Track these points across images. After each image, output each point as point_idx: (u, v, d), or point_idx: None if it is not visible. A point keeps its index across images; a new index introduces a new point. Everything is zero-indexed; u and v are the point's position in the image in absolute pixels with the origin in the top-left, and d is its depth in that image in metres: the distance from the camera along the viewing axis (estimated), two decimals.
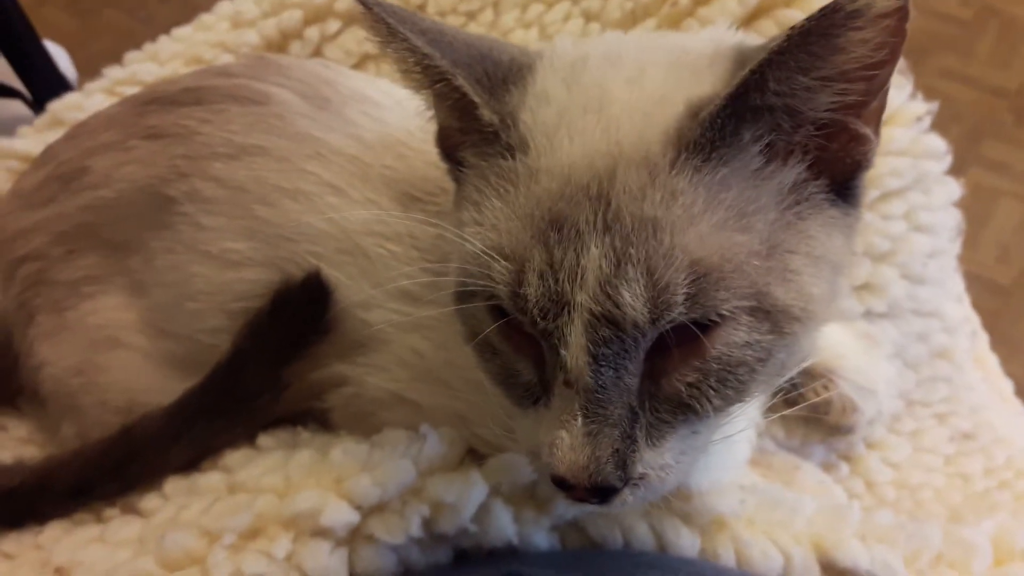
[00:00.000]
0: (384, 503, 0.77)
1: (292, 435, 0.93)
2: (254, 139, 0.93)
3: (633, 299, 0.57)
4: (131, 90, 1.21)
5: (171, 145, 0.95)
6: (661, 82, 0.64)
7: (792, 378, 0.99)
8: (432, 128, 0.74)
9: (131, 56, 1.32)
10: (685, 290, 0.57)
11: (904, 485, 1.02)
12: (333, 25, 1.23)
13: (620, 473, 0.60)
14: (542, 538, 0.80)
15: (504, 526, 0.78)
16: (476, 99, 0.64)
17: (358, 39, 1.23)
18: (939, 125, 1.09)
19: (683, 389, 0.60)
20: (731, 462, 0.87)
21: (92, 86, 1.29)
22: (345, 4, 1.22)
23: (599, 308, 0.58)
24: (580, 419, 0.59)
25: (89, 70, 1.36)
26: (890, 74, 0.59)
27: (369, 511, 0.77)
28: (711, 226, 0.58)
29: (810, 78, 0.57)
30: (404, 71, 0.67)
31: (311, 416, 0.96)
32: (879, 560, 0.79)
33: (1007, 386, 1.17)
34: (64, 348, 0.97)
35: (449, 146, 0.73)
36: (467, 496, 0.76)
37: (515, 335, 0.64)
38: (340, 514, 0.76)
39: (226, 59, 1.25)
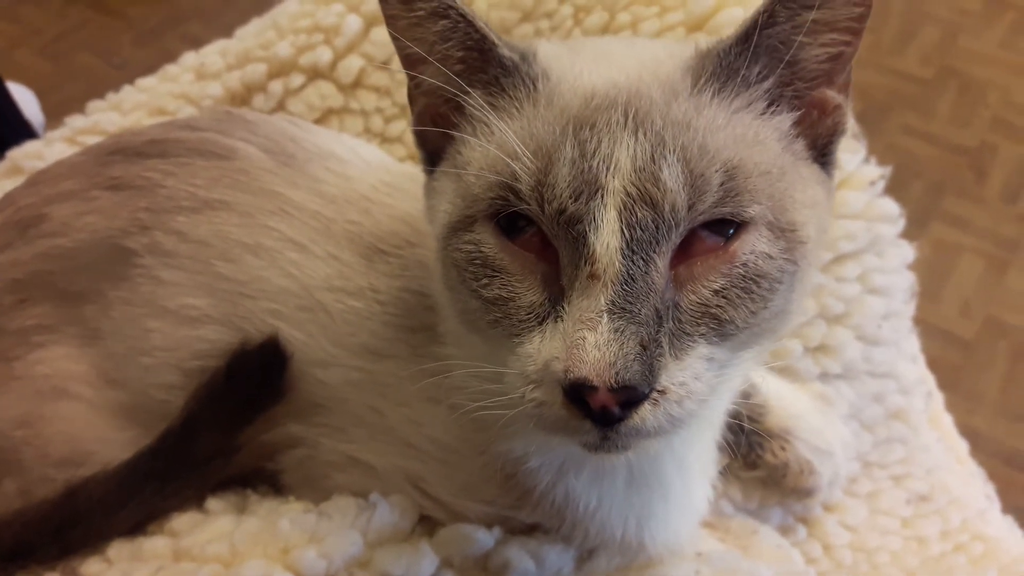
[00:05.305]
0: (330, 575, 0.75)
1: (241, 498, 0.91)
2: (218, 194, 0.92)
3: (672, 180, 0.59)
4: (93, 139, 1.20)
5: (134, 197, 0.94)
6: (654, 46, 0.72)
7: (748, 436, 1.00)
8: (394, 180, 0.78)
9: (94, 105, 1.31)
10: (719, 180, 0.60)
11: (861, 548, 1.02)
12: (297, 79, 1.24)
13: (647, 375, 0.58)
14: None
15: None
16: (495, 40, 0.67)
17: (321, 94, 1.24)
18: (902, 181, 1.11)
19: (710, 296, 0.61)
20: (689, 515, 0.86)
21: (53, 135, 1.28)
22: (309, 59, 1.23)
23: (635, 190, 0.60)
24: (606, 316, 0.58)
25: (60, 115, 1.34)
26: (857, 43, 0.67)
27: None
28: (734, 137, 0.63)
29: (811, 16, 0.63)
30: (415, 33, 0.67)
31: (261, 476, 0.94)
32: None
33: (962, 447, 1.18)
34: (8, 399, 0.94)
35: (435, 115, 0.72)
36: (416, 568, 0.75)
37: (520, 252, 0.64)
38: None
39: (190, 111, 1.24)
